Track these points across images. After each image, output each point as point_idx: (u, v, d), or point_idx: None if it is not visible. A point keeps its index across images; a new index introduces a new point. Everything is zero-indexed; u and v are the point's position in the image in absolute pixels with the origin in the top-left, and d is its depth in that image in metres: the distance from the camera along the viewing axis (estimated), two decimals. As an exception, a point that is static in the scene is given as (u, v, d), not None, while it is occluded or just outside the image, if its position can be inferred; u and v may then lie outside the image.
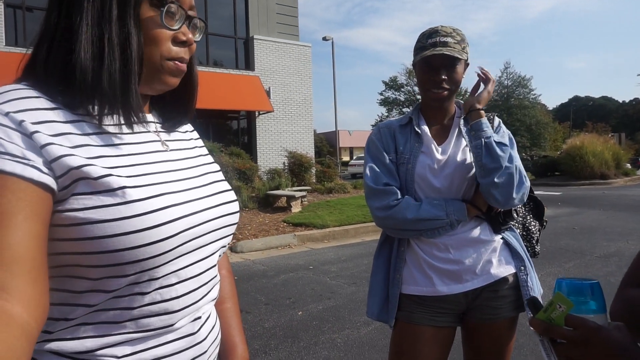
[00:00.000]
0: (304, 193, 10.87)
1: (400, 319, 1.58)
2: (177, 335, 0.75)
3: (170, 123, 0.87)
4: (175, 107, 0.88)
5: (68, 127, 0.67)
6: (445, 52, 1.48)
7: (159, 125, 0.84)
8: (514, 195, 1.47)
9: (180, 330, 0.75)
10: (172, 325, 0.74)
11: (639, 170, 23.93)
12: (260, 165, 13.90)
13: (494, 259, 1.54)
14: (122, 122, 0.72)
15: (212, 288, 0.83)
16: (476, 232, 1.54)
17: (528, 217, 1.76)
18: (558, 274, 5.02)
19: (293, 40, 16.47)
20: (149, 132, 0.80)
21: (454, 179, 1.53)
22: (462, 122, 1.60)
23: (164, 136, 0.83)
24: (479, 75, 1.63)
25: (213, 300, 0.84)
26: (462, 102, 1.68)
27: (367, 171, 1.59)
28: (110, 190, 0.65)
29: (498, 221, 1.57)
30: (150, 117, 0.83)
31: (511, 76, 41.43)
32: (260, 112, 15.23)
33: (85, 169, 0.64)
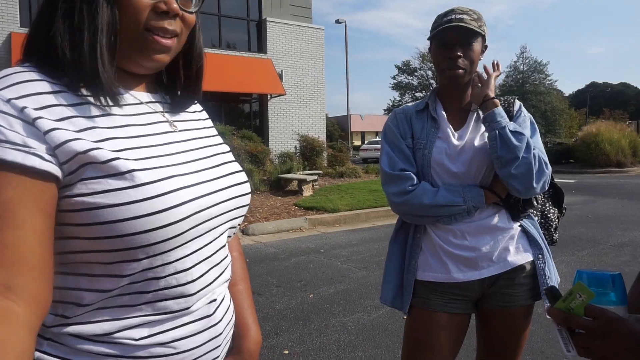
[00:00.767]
0: (315, 177, 10.88)
1: (415, 305, 1.58)
2: (194, 317, 0.75)
3: (177, 103, 0.84)
4: (182, 87, 0.85)
5: (72, 111, 0.66)
6: (460, 24, 1.45)
7: (166, 106, 0.82)
8: (534, 184, 1.45)
9: (197, 313, 0.75)
10: (188, 308, 0.74)
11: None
12: (272, 149, 13.91)
13: (511, 246, 1.53)
14: (110, 103, 0.70)
15: (224, 269, 0.83)
16: (494, 219, 1.52)
17: (547, 205, 1.73)
18: (571, 263, 4.99)
19: (306, 22, 16.30)
20: (154, 112, 0.78)
21: (472, 164, 1.51)
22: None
23: (171, 117, 0.81)
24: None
25: (226, 281, 0.84)
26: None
27: (384, 157, 1.58)
28: (119, 174, 0.64)
29: (517, 208, 1.55)
30: (152, 96, 0.80)
31: (527, 61, 40.66)
32: (272, 95, 15.18)
33: (92, 153, 0.63)
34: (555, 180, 1.73)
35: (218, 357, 0.80)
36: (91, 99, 0.69)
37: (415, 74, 40.53)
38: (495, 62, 1.63)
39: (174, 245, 0.69)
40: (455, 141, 1.53)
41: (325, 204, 8.28)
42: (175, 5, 0.72)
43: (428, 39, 1.57)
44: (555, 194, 1.75)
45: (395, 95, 42.57)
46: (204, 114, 0.95)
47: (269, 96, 15.20)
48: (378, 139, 31.59)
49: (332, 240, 6.49)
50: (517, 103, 1.61)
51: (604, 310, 0.71)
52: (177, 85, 0.86)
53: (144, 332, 0.70)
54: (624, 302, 0.73)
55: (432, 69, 36.92)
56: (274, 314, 3.71)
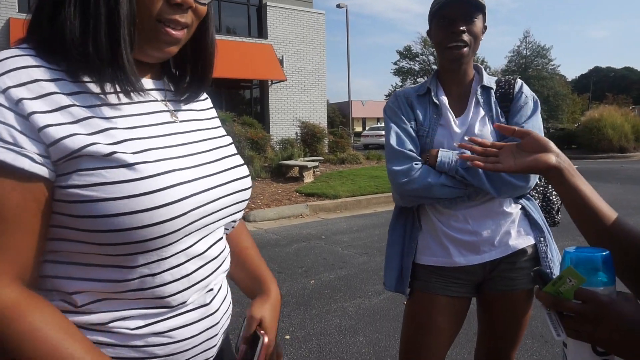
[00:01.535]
0: (316, 163, 10.86)
1: (416, 288, 1.58)
2: (190, 307, 0.75)
3: (184, 93, 0.82)
4: (190, 76, 0.83)
5: (70, 100, 0.64)
6: None
7: (169, 94, 0.80)
8: (530, 184, 1.47)
9: (193, 303, 0.75)
10: (184, 302, 0.73)
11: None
12: (272, 135, 13.88)
13: (512, 230, 1.53)
14: (118, 90, 0.67)
15: (222, 261, 0.82)
16: (495, 203, 1.52)
17: (549, 187, 1.72)
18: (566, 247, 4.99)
19: (306, 7, 16.13)
20: (156, 101, 0.76)
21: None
22: (479, 90, 1.55)
23: (173, 106, 0.79)
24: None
25: (225, 272, 0.84)
26: (481, 66, 1.63)
27: (392, 134, 1.54)
28: (116, 167, 0.62)
29: None
30: (155, 84, 0.78)
31: (530, 45, 40.31)
32: (273, 82, 15.09)
33: (87, 149, 0.62)
34: None
35: (215, 345, 0.80)
36: (89, 87, 0.66)
37: (417, 59, 40.26)
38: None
39: (170, 241, 0.68)
40: (456, 128, 1.52)
41: (326, 190, 8.29)
42: None
43: (429, 16, 1.54)
44: None
45: (397, 80, 42.31)
46: (208, 102, 0.92)
47: (269, 82, 15.11)
48: (379, 125, 31.47)
49: (333, 226, 6.51)
50: (518, 83, 1.58)
51: (594, 293, 0.69)
52: (185, 74, 0.83)
53: (139, 322, 0.70)
54: (614, 281, 0.72)
55: (433, 53, 36.62)
56: (276, 300, 3.73)
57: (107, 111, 0.67)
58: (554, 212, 1.72)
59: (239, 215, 0.85)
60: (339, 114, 41.17)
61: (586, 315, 0.69)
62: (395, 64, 41.69)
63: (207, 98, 0.93)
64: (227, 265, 0.84)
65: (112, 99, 0.68)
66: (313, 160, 11.22)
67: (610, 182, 10.36)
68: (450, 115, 1.53)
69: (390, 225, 1.67)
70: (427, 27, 1.58)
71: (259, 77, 14.82)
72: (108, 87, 0.67)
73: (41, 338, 0.58)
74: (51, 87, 0.63)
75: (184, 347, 0.74)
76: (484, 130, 1.50)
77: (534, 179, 1.47)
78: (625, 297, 0.72)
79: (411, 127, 1.54)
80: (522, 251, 1.53)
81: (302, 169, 9.94)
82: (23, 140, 0.59)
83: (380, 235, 5.75)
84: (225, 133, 0.89)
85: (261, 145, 11.64)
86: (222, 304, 0.82)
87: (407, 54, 40.67)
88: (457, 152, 1.46)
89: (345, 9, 25.15)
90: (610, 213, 0.86)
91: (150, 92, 0.76)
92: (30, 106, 0.60)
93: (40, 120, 0.60)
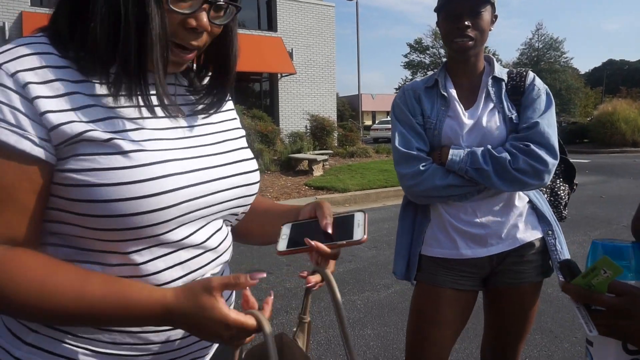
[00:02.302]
0: (325, 157, 10.86)
1: (423, 280, 1.58)
2: None
3: (202, 98, 0.82)
4: (211, 83, 0.83)
5: (75, 87, 0.65)
6: None
7: (182, 89, 0.81)
8: (544, 182, 1.46)
9: None
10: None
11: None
12: (282, 128, 13.88)
13: (520, 223, 1.52)
14: (140, 104, 0.69)
15: (223, 252, 0.81)
16: (503, 196, 1.51)
17: (557, 181, 1.71)
18: (583, 243, 4.95)
19: (316, 0, 16.05)
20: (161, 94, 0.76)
21: (483, 143, 1.49)
22: (490, 81, 1.54)
23: (182, 100, 0.79)
24: None
25: (224, 263, 0.83)
26: (490, 56, 1.61)
27: (397, 136, 1.54)
28: (112, 154, 0.64)
29: None
30: (167, 79, 0.78)
31: (542, 38, 39.76)
32: (283, 75, 15.08)
33: (85, 134, 0.63)
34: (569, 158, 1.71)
35: None
36: (97, 78, 0.67)
37: (428, 52, 39.92)
38: None
39: (163, 230, 0.68)
40: (465, 120, 1.50)
41: (336, 184, 8.29)
42: (205, 21, 0.69)
43: (435, 11, 1.53)
44: (567, 170, 1.73)
45: (407, 73, 42.02)
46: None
47: (279, 75, 15.10)
48: (389, 118, 31.28)
49: (342, 219, 6.50)
50: (530, 76, 1.55)
51: (629, 286, 0.65)
52: (203, 75, 0.84)
53: None
54: None
55: (444, 47, 36.29)
56: (285, 292, 3.76)
57: (110, 101, 0.68)
58: (561, 207, 1.71)
59: (242, 210, 0.85)
60: (349, 107, 41.03)
61: (620, 309, 0.65)
62: (405, 56, 41.41)
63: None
64: (227, 256, 0.84)
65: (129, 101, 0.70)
66: (322, 154, 11.22)
67: (624, 177, 10.23)
68: (459, 107, 1.52)
69: (400, 215, 1.67)
70: (436, 22, 1.57)
71: (269, 70, 14.80)
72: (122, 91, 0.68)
73: (30, 274, 0.61)
74: (58, 73, 0.65)
75: (180, 334, 0.74)
76: (492, 123, 1.49)
77: (549, 178, 1.45)
78: None
79: (417, 122, 1.54)
80: (530, 244, 1.53)
81: (312, 162, 9.94)
82: (26, 124, 0.61)
83: (389, 229, 5.75)
84: (237, 126, 0.89)
85: (271, 139, 11.66)
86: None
87: (417, 46, 40.35)
88: (468, 149, 1.45)
89: (356, 1, 24.98)
90: None
91: (160, 86, 0.76)
92: (35, 90, 0.62)
93: (43, 104, 0.62)
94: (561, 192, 1.71)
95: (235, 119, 0.90)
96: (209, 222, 0.77)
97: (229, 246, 0.85)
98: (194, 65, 0.85)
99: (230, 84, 0.84)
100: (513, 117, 1.49)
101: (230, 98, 0.94)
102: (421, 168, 1.47)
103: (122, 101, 0.69)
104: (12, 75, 0.61)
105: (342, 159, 12.57)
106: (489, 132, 1.49)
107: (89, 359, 0.70)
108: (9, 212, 0.62)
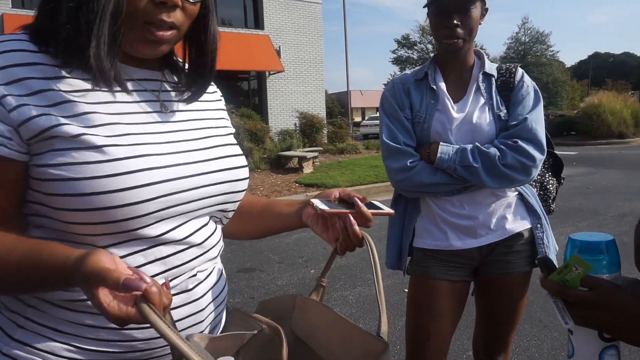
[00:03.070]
0: (315, 154, 10.86)
1: (416, 273, 1.59)
2: (172, 291, 0.73)
3: (186, 88, 0.82)
4: (192, 72, 0.83)
5: (47, 84, 0.66)
6: None
7: (166, 85, 0.80)
8: (531, 177, 1.48)
9: (175, 288, 0.74)
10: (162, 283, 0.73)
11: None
12: (271, 127, 13.85)
13: (508, 214, 1.53)
14: (117, 99, 0.70)
15: (210, 249, 0.81)
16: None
17: (547, 175, 1.73)
18: (570, 234, 5.01)
19: (303, -4, 16.02)
20: (145, 91, 0.76)
21: (472, 138, 1.49)
22: (481, 76, 1.54)
23: (167, 96, 0.79)
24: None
25: (212, 259, 0.83)
26: (482, 51, 1.62)
27: (384, 129, 1.56)
28: (85, 149, 0.64)
29: None
30: (149, 74, 0.78)
31: (529, 32, 40.06)
32: (271, 72, 15.03)
33: (58, 128, 0.64)
34: (556, 152, 1.72)
35: (201, 332, 0.79)
36: (77, 74, 0.68)
37: (415, 47, 40.02)
38: None
39: (140, 225, 0.68)
40: (454, 114, 1.51)
41: (326, 181, 8.29)
42: None
43: (424, 7, 1.53)
44: (555, 164, 1.75)
45: (396, 69, 42.10)
46: (216, 95, 0.93)
47: (267, 73, 15.05)
48: (378, 114, 31.24)
49: (333, 216, 6.51)
50: (519, 72, 1.56)
51: (599, 280, 0.69)
52: (188, 69, 0.84)
53: None
54: (618, 267, 0.72)
55: (432, 42, 36.40)
56: (276, 290, 3.76)
57: (88, 97, 0.68)
58: (550, 201, 1.73)
59: (231, 207, 0.84)
60: (338, 104, 41.03)
61: (592, 303, 0.69)
62: (393, 52, 41.50)
63: (215, 91, 0.94)
64: (215, 252, 0.83)
65: (100, 86, 0.70)
66: (312, 151, 11.21)
67: (610, 168, 10.36)
68: (448, 101, 1.52)
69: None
70: (425, 16, 1.57)
71: (257, 68, 14.75)
72: (93, 82, 0.68)
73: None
74: (29, 72, 0.65)
75: None
76: (482, 119, 1.50)
77: (536, 172, 1.47)
78: (630, 282, 0.73)
79: (405, 116, 1.54)
80: (519, 235, 1.55)
81: (302, 159, 9.93)
82: None
83: (380, 224, 5.74)
84: (226, 124, 0.89)
85: (260, 137, 11.62)
86: (209, 291, 0.81)
87: (405, 42, 40.43)
88: (457, 147, 1.46)
89: (342, -2, 24.92)
90: None
91: (140, 82, 0.76)
92: (3, 89, 0.63)
93: (11, 102, 0.63)
94: (550, 186, 1.73)
95: (223, 113, 0.90)
96: (193, 218, 0.77)
97: (217, 242, 0.84)
98: (186, 63, 0.85)
99: (209, 69, 0.83)
100: (502, 114, 1.50)
101: (220, 95, 0.94)
102: (409, 164, 1.48)
103: (98, 96, 0.69)
104: None
105: (332, 155, 12.57)
106: (479, 128, 1.49)
107: (73, 355, 0.70)
108: None
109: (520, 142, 1.43)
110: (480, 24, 1.51)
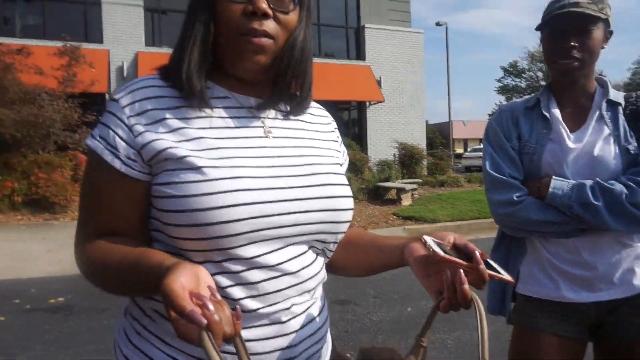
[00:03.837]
0: (414, 186, 10.62)
1: (521, 323, 1.41)
2: (264, 321, 0.74)
3: (286, 108, 0.85)
4: (289, 93, 0.85)
5: (167, 114, 0.75)
6: (575, 10, 1.26)
7: (272, 112, 0.83)
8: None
9: (268, 317, 0.74)
10: (254, 310, 0.72)
11: None
12: (370, 157, 13.88)
13: (637, 267, 1.31)
14: (225, 125, 0.77)
15: (306, 280, 0.78)
16: (616, 233, 1.30)
17: None
18: None
19: (405, 27, 16.10)
20: (252, 117, 0.80)
21: (592, 173, 1.30)
22: (604, 104, 1.36)
23: (272, 123, 0.82)
24: None
25: (308, 291, 0.79)
26: (604, 78, 1.43)
27: (487, 159, 1.42)
28: (188, 169, 0.71)
29: None
30: (255, 101, 0.81)
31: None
32: (371, 103, 15.16)
33: (168, 151, 0.72)
34: None
35: None
36: (189, 103, 0.76)
37: (524, 75, 38.03)
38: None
39: (229, 245, 0.70)
40: (570, 144, 1.34)
41: (425, 214, 8.02)
42: (262, 5, 0.73)
43: (537, 29, 1.40)
44: None
45: (502, 99, 40.24)
46: (329, 125, 0.94)
47: (367, 103, 15.21)
48: (482, 146, 29.99)
49: (431, 251, 6.25)
50: None
51: None
52: (283, 89, 0.84)
53: None
54: None
55: (542, 69, 34.34)
56: (371, 325, 3.64)
57: (199, 123, 0.76)
58: None
59: (330, 237, 0.80)
60: (439, 135, 40.11)
61: None
62: (499, 81, 39.83)
63: (329, 122, 0.95)
64: (312, 284, 0.79)
65: (208, 112, 0.77)
66: (411, 183, 10.99)
67: None
68: (563, 129, 1.36)
69: (493, 247, 1.52)
70: (535, 41, 1.44)
71: (358, 98, 14.98)
72: (196, 103, 0.77)
73: (104, 247, 0.74)
74: (154, 104, 0.76)
75: (284, 344, 0.74)
76: (606, 151, 1.30)
77: None
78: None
79: (512, 146, 1.39)
80: None
81: (400, 191, 9.76)
82: (121, 146, 0.74)
83: (483, 263, 5.39)
84: (334, 154, 0.89)
85: (359, 167, 11.68)
86: (303, 327, 0.78)
87: (512, 70, 38.64)
88: (574, 182, 1.28)
89: (445, 26, 24.66)
90: None
91: (248, 108, 0.81)
92: (135, 119, 0.74)
93: (138, 129, 0.74)
94: None
95: (334, 144, 0.91)
96: (288, 245, 0.75)
97: (315, 274, 0.80)
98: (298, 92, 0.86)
99: (305, 90, 0.85)
100: (631, 147, 1.30)
101: (334, 126, 0.95)
102: (515, 198, 1.33)
103: (206, 122, 0.76)
104: (123, 108, 0.75)
105: (432, 188, 12.20)
106: (602, 162, 1.30)
107: None
108: (107, 214, 0.76)
109: None
110: (603, 47, 1.34)
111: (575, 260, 1.32)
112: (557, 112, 1.39)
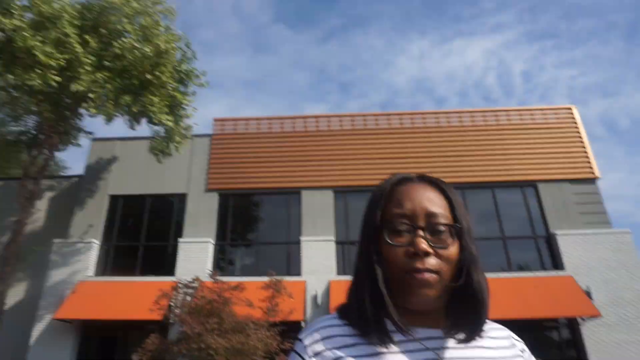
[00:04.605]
0: None
1: None
2: None
3: (465, 335, 0.87)
4: (464, 319, 0.88)
5: (342, 352, 0.83)
6: None
7: (447, 341, 0.85)
8: None
9: None
10: None
11: None
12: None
13: None
14: (384, 341, 0.82)
15: None
16: None
17: None
18: None
19: (605, 228, 14.48)
20: (425, 349, 0.83)
21: None
22: None
23: (448, 353, 0.84)
24: None
25: None
26: None
27: None
28: None
29: None
30: (429, 332, 0.86)
31: None
32: (584, 318, 12.91)
33: None
34: None
35: None
36: (366, 339, 0.83)
37: None
38: None
39: None
40: None
41: None
42: (422, 246, 0.84)
43: None
44: None
45: None
46: (509, 343, 0.91)
47: (579, 320, 12.99)
48: None
49: None
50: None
51: None
52: (461, 317, 0.89)
53: None
54: None
55: None
56: None
57: (374, 358, 0.81)
58: None
59: None
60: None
61: None
62: None
63: (507, 337, 0.92)
64: None
65: (381, 348, 0.83)
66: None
67: None
68: None
69: None
70: None
71: (564, 314, 12.94)
72: (379, 339, 0.83)
73: None
74: (329, 344, 0.85)
75: None
76: None
77: None
78: None
79: None
80: None
81: None
82: None
83: None
84: None
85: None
86: None
87: None
88: None
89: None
90: None
91: (422, 341, 0.85)
92: (316, 357, 0.84)
93: None
94: None
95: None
96: None
97: None
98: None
99: (478, 315, 0.86)
100: None
101: (521, 347, 0.91)
102: None
103: (386, 357, 0.81)
104: (305, 347, 0.85)
105: None
106: None
107: None
108: None
109: None
110: None
111: None
112: None
